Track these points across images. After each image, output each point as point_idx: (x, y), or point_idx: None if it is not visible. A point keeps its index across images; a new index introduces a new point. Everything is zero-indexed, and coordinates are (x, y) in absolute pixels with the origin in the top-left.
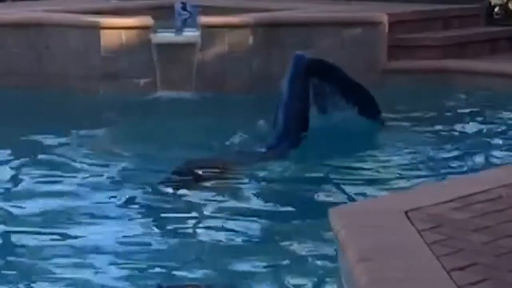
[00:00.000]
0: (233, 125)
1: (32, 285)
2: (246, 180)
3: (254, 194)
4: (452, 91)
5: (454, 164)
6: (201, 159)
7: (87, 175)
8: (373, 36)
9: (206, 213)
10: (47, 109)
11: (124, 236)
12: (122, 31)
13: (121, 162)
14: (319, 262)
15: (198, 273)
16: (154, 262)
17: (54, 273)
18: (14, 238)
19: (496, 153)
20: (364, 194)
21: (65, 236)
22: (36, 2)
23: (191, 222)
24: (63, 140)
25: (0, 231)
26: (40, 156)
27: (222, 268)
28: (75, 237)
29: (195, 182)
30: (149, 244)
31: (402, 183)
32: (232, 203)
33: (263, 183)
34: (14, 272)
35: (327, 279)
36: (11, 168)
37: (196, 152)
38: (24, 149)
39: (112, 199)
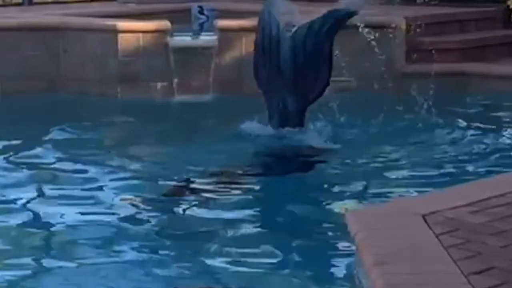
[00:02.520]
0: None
1: None
2: (259, 187)
3: (265, 200)
4: (470, 94)
5: (472, 167)
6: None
7: (103, 178)
8: (391, 39)
9: (215, 218)
10: (64, 112)
11: (131, 240)
12: (140, 35)
13: (137, 166)
14: (335, 265)
15: (209, 278)
16: (163, 266)
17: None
18: (21, 237)
19: None
20: (381, 197)
21: (70, 238)
22: (53, 6)
23: (203, 228)
24: (79, 143)
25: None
26: (56, 159)
27: (235, 273)
28: (79, 239)
29: (206, 190)
30: (160, 248)
31: (420, 187)
32: (244, 209)
33: (277, 187)
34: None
35: (343, 283)
36: (28, 171)
37: (213, 157)
38: (40, 151)
39: (125, 203)
